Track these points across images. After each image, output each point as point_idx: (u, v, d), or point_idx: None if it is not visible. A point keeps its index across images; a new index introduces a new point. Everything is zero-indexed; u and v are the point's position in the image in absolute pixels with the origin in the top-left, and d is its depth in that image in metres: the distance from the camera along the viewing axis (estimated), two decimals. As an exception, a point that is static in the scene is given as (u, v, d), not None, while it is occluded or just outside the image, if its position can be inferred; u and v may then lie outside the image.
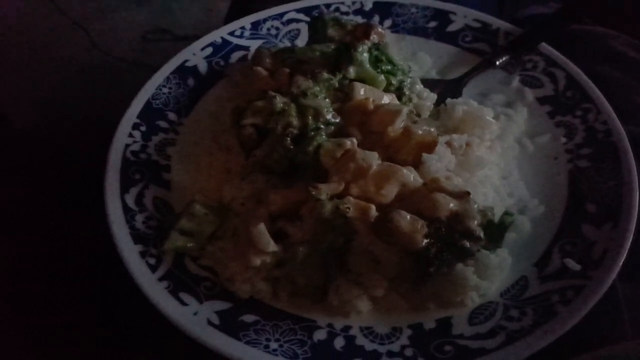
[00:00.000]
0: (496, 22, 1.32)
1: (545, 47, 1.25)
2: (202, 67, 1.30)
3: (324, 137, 1.00)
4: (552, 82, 1.20)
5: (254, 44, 1.36)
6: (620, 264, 0.89)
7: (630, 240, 0.92)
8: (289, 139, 1.00)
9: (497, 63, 1.24)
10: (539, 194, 1.05)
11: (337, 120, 1.05)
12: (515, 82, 1.23)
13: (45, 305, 0.99)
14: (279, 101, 1.03)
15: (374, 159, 0.94)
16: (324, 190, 0.93)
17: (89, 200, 1.01)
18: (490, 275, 0.90)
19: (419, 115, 1.14)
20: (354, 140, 0.98)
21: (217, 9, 3.25)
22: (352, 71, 1.11)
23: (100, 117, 1.12)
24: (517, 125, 1.14)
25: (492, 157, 1.07)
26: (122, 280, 0.94)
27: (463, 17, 1.34)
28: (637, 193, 0.98)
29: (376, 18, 1.38)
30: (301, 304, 0.94)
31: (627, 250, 0.90)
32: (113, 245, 0.95)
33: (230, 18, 1.56)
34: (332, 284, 0.93)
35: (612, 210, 0.97)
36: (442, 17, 1.35)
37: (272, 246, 0.90)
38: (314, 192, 0.92)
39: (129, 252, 0.96)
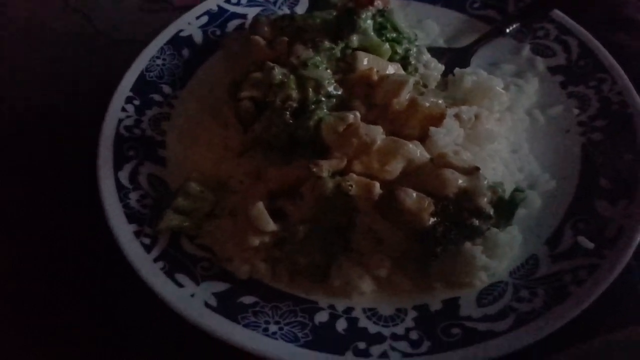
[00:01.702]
0: (507, -12, 1.25)
1: (557, 14, 1.19)
2: (198, 36, 1.25)
3: (325, 110, 0.95)
4: (565, 51, 1.14)
5: (252, 12, 1.30)
6: (637, 242, 0.85)
7: (647, 217, 0.87)
8: (288, 112, 0.95)
9: (507, 31, 1.18)
10: (550, 168, 1.01)
11: (340, 93, 1.00)
12: (526, 51, 1.17)
13: (45, 305, 0.97)
14: (278, 72, 0.98)
15: (378, 134, 0.89)
16: (326, 168, 0.88)
17: (89, 200, 0.98)
18: (500, 254, 0.87)
19: (425, 86, 1.09)
20: (357, 113, 0.93)
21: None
22: (355, 40, 1.05)
23: (100, 99, 1.08)
24: (528, 97, 1.09)
25: (501, 130, 1.02)
26: (122, 280, 0.91)
27: (471, -18, 1.27)
28: (655, 167, 0.93)
29: (380, -17, 1.31)
30: (302, 284, 0.90)
31: (643, 228, 0.86)
32: (113, 245, 0.91)
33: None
34: (334, 263, 0.89)
35: (627, 186, 0.92)
36: (450, -18, 1.28)
37: (272, 226, 0.87)
38: (314, 170, 0.87)
39: (123, 231, 0.93)
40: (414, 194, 0.84)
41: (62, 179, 1.13)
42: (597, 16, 1.48)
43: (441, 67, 1.11)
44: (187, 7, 1.30)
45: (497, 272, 0.88)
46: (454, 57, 1.16)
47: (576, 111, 1.06)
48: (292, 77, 0.98)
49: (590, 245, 0.87)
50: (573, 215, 0.93)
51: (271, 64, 0.99)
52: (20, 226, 1.08)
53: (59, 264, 1.01)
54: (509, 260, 0.89)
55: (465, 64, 1.15)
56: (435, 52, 1.15)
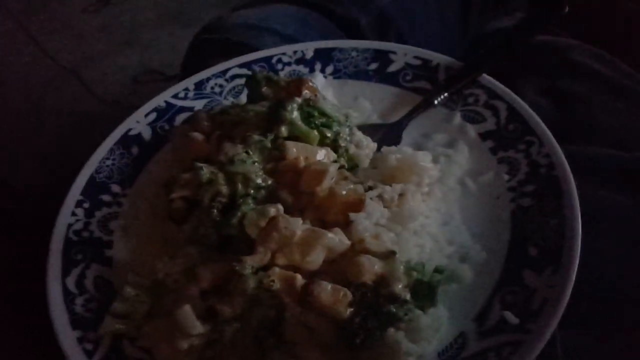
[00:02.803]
0: (436, 58, 1.29)
1: (486, 78, 1.21)
2: (146, 133, 1.31)
3: (250, 205, 0.99)
4: (494, 116, 1.16)
5: (199, 104, 1.36)
6: (560, 314, 0.85)
7: (571, 287, 0.87)
8: (215, 210, 0.99)
9: (436, 102, 1.21)
10: (481, 238, 1.01)
11: (269, 183, 1.04)
12: (457, 118, 1.19)
13: (45, 305, 0.99)
14: (206, 172, 1.02)
15: (297, 226, 0.92)
16: (249, 263, 0.91)
17: None
18: (423, 338, 0.87)
19: (356, 165, 1.12)
20: (279, 207, 0.96)
21: (206, 47, 3.30)
22: (284, 130, 1.09)
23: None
24: (459, 166, 1.11)
25: (430, 205, 1.04)
26: None
27: (403, 55, 1.31)
28: (579, 233, 0.93)
29: (318, 65, 1.36)
30: (239, 382, 0.92)
31: (567, 298, 0.86)
32: None
33: (185, 72, 1.56)
34: (267, 359, 0.90)
35: (552, 254, 0.92)
36: (383, 57, 1.33)
37: (198, 328, 0.89)
38: (237, 267, 0.90)
39: (67, 339, 0.96)
40: (329, 287, 0.85)
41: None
42: (543, 63, 1.50)
43: (374, 145, 1.14)
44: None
45: (426, 354, 0.88)
46: (387, 133, 1.19)
47: (506, 177, 1.08)
48: (220, 174, 1.02)
49: (515, 320, 0.86)
50: (501, 288, 0.93)
51: (199, 164, 1.03)
52: (20, 226, 1.11)
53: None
54: (438, 339, 0.90)
55: (397, 138, 1.18)
56: (369, 129, 1.19)
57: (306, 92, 1.14)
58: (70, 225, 1.13)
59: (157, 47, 3.70)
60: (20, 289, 1.02)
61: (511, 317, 0.87)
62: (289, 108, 1.09)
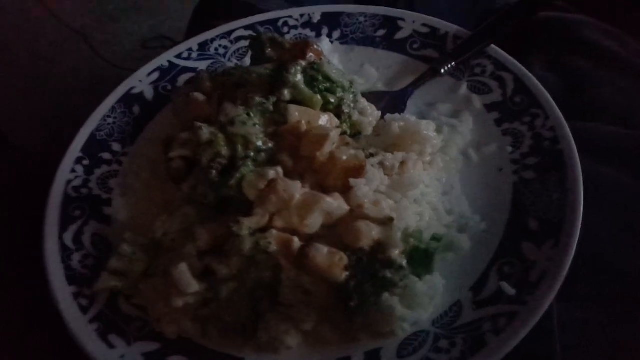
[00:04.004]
0: (445, 26, 1.26)
1: (494, 49, 1.19)
2: (149, 93, 1.29)
3: (250, 167, 0.98)
4: (501, 87, 1.14)
5: (203, 65, 1.34)
6: (558, 287, 0.84)
7: (570, 261, 0.86)
8: (214, 171, 0.98)
9: (443, 71, 1.19)
10: (481, 209, 1.01)
11: (270, 146, 1.03)
12: (464, 89, 1.17)
13: (45, 305, 1.00)
14: (205, 132, 1.01)
15: (296, 189, 0.91)
16: (247, 225, 0.90)
17: None
18: (418, 304, 0.87)
19: (359, 132, 1.11)
20: (279, 169, 0.95)
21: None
22: (286, 93, 1.07)
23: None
24: (462, 136, 1.10)
25: (431, 174, 1.03)
26: None
27: (412, 22, 1.29)
28: (581, 208, 0.92)
29: (325, 30, 1.34)
30: (233, 341, 0.92)
31: (565, 272, 0.85)
32: None
33: (190, 32, 1.54)
34: (262, 319, 0.90)
35: (553, 227, 0.91)
36: (391, 24, 1.30)
37: (194, 286, 0.89)
38: (234, 228, 0.89)
39: (62, 293, 0.96)
40: (325, 250, 0.85)
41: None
42: (552, 38, 1.47)
43: (378, 113, 1.13)
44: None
45: (421, 321, 0.88)
46: (391, 101, 1.17)
47: (509, 149, 1.06)
48: (220, 135, 1.01)
49: (512, 291, 0.86)
50: (499, 259, 0.92)
51: (199, 124, 1.02)
52: (20, 226, 1.11)
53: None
54: (434, 307, 0.90)
55: (402, 107, 1.16)
56: (374, 96, 1.17)
57: (311, 55, 1.12)
58: (69, 182, 1.12)
59: (166, 13, 3.65)
60: (20, 289, 1.01)
61: (508, 288, 0.87)
62: (293, 71, 1.08)
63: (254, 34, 1.29)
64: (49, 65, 3.47)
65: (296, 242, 0.89)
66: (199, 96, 1.14)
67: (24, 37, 3.61)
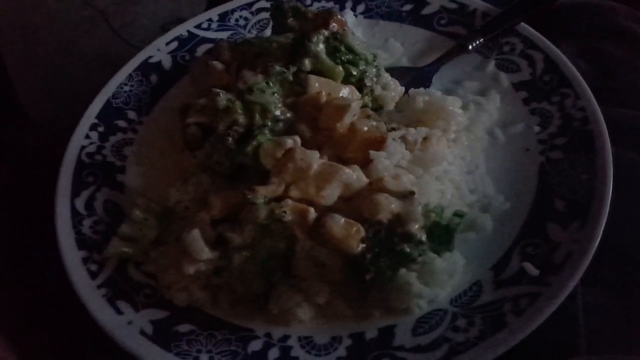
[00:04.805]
0: (474, 3, 1.22)
1: (524, 27, 1.15)
2: (167, 62, 1.27)
3: (267, 135, 0.95)
4: (530, 66, 1.10)
5: (222, 36, 1.31)
6: (584, 270, 0.80)
7: (597, 243, 0.82)
8: (230, 138, 0.95)
9: (470, 47, 1.15)
10: (506, 189, 0.97)
11: (288, 116, 1.00)
12: (491, 67, 1.13)
13: (45, 305, 0.99)
14: (223, 98, 0.98)
15: (313, 159, 0.88)
16: (262, 193, 0.87)
17: None
18: (436, 282, 0.83)
19: (381, 107, 1.07)
20: (297, 138, 0.92)
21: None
22: (307, 63, 1.04)
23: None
24: (489, 115, 1.06)
25: (455, 151, 0.99)
26: None
27: (439, -3, 1.24)
28: (610, 189, 0.88)
29: (349, 3, 1.30)
30: (243, 312, 0.89)
31: (592, 255, 0.81)
32: None
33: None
34: (274, 291, 0.88)
35: (581, 208, 0.88)
36: (418, -2, 1.26)
37: (206, 254, 0.86)
38: (249, 196, 0.87)
39: (71, 257, 0.95)
40: (342, 220, 0.82)
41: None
42: (585, 24, 1.43)
43: (401, 89, 1.09)
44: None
45: (439, 299, 0.85)
46: (416, 77, 1.14)
47: (537, 128, 1.02)
48: (237, 102, 0.98)
49: (535, 272, 0.82)
50: (523, 239, 0.89)
51: (217, 90, 0.99)
52: (20, 225, 1.10)
53: (58, 264, 1.01)
54: (452, 286, 0.86)
55: (427, 83, 1.12)
56: (398, 71, 1.14)
57: (334, 26, 1.09)
58: (83, 148, 1.11)
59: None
60: (21, 289, 1.00)
61: (531, 269, 0.83)
62: (314, 40, 1.04)
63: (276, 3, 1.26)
64: (70, 47, 3.47)
65: (312, 212, 0.86)
66: (218, 64, 1.11)
67: (44, 17, 3.62)
